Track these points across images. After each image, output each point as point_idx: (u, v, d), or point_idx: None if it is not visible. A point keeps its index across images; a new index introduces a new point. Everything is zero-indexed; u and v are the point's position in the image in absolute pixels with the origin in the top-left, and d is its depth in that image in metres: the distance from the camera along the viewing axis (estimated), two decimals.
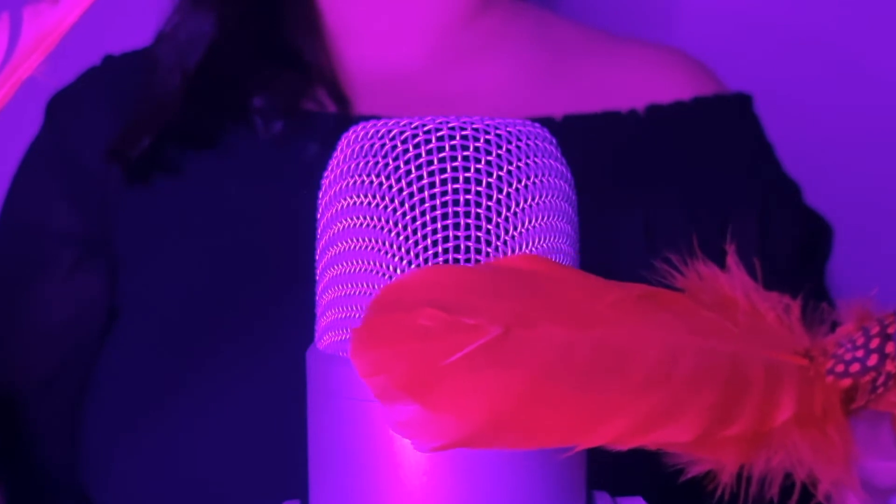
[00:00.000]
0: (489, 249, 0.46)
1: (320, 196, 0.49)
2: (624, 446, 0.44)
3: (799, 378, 0.49)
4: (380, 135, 0.48)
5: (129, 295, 0.80)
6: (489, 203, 0.46)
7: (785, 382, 0.49)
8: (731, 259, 0.51)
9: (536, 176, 0.47)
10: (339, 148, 0.49)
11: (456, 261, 0.46)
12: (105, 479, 0.77)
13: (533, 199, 0.47)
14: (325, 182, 0.49)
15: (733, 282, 0.50)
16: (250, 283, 0.77)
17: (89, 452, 0.78)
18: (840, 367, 0.49)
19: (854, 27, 1.13)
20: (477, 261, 0.46)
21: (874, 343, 0.50)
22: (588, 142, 0.81)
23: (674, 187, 0.82)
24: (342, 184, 0.48)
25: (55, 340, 0.82)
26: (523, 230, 0.47)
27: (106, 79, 0.86)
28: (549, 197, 0.47)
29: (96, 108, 0.84)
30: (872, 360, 0.49)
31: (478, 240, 0.46)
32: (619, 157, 0.82)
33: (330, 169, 0.49)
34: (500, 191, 0.47)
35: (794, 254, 0.84)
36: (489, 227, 0.46)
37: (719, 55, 0.94)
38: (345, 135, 0.49)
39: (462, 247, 0.46)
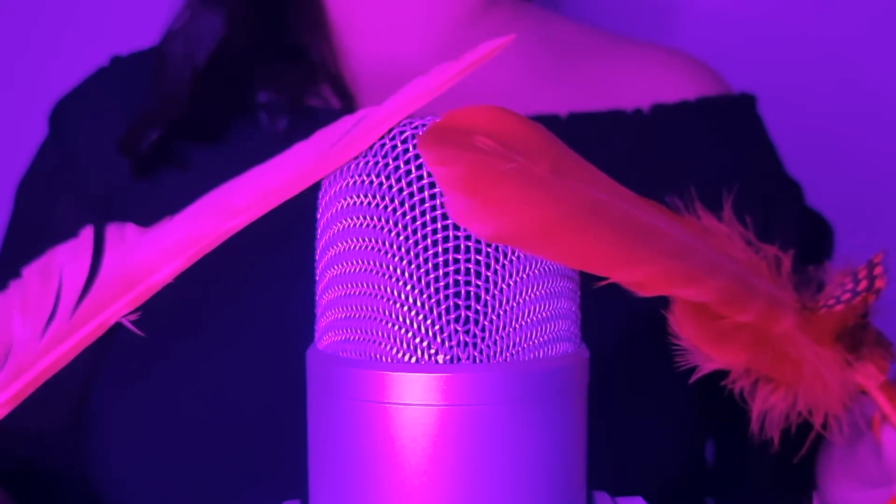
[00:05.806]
0: (489, 249, 0.46)
1: (320, 196, 0.49)
2: (648, 292, 0.45)
3: (795, 308, 0.52)
4: None
5: None
6: None
7: (784, 303, 0.52)
8: (728, 212, 0.53)
9: None
10: None
11: (456, 261, 0.46)
12: (109, 475, 0.77)
13: None
14: (324, 182, 0.49)
15: (731, 230, 0.53)
16: (252, 279, 0.77)
17: (92, 451, 0.78)
18: (832, 301, 0.53)
19: (855, 28, 1.13)
20: (477, 261, 0.46)
21: (863, 280, 0.53)
22: (593, 140, 0.81)
23: (676, 185, 0.81)
24: (342, 183, 0.48)
25: None
26: None
27: (114, 79, 0.86)
28: None
29: (104, 109, 0.84)
30: (862, 286, 0.53)
31: (478, 240, 0.46)
32: (623, 156, 0.82)
33: None
34: None
35: (796, 254, 0.84)
36: None
37: (720, 56, 0.94)
38: None
39: (462, 247, 0.46)
